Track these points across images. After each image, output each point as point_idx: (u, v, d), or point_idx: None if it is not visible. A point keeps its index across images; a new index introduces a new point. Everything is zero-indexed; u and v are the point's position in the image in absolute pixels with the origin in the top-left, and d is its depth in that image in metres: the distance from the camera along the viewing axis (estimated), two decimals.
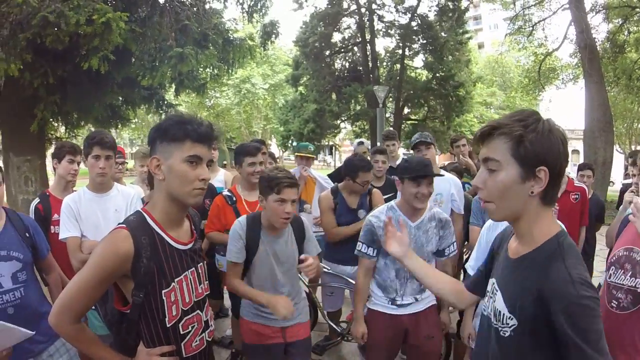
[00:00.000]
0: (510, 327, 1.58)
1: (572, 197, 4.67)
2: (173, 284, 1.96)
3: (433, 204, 4.32)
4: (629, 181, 5.33)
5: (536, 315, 1.48)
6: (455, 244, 3.56)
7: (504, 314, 1.61)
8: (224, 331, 5.41)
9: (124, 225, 1.90)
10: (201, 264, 2.19)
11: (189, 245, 2.09)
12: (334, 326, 4.89)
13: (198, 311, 2.12)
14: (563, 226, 1.69)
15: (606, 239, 4.27)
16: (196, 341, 2.10)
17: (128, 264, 1.85)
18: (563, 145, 1.52)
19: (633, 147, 32.34)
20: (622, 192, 4.81)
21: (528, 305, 1.50)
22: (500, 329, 1.64)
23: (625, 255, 2.46)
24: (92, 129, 12.36)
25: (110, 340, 2.12)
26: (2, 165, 3.33)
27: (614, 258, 2.54)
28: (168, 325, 1.96)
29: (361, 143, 6.87)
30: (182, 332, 2.02)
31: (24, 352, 2.70)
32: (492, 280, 1.80)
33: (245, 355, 3.74)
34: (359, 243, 3.49)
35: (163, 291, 1.93)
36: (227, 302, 5.22)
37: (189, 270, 2.06)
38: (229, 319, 4.89)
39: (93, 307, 3.23)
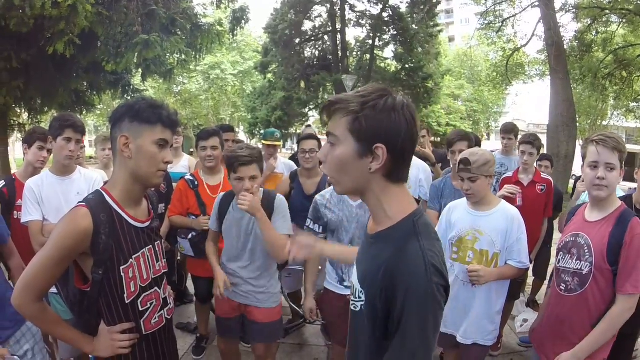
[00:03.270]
0: (360, 300, 1.57)
1: (538, 187, 4.76)
2: (131, 260, 2.01)
3: None
4: None
5: (381, 292, 1.44)
6: None
7: (356, 288, 1.61)
8: (189, 317, 5.36)
9: (83, 204, 1.94)
10: (158, 242, 2.24)
11: (147, 224, 2.14)
12: (296, 308, 4.91)
13: (156, 288, 2.16)
14: (419, 206, 1.65)
15: (559, 226, 4.44)
16: (155, 318, 2.14)
17: (87, 241, 1.89)
18: (408, 125, 1.47)
19: None
20: (576, 182, 4.95)
21: (377, 281, 1.46)
22: (352, 302, 1.65)
23: (572, 240, 2.64)
24: (56, 115, 12.13)
25: (73, 323, 2.13)
26: None
27: (562, 244, 2.73)
28: (127, 302, 2.01)
29: (309, 126, 6.82)
30: (141, 309, 2.06)
31: None
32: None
33: (218, 330, 3.78)
34: (307, 219, 3.59)
35: (121, 267, 1.96)
36: (191, 288, 5.20)
37: (147, 248, 2.11)
38: (194, 305, 4.86)
39: (55, 292, 3.20)
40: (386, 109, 1.44)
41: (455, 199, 3.54)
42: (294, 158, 6.36)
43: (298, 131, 30.19)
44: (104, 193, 2.01)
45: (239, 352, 3.85)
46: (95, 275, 1.93)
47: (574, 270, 2.56)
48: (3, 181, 3.82)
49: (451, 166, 4.20)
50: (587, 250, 2.52)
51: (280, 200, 3.45)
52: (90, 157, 20.61)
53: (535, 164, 5.08)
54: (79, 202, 1.97)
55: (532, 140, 4.73)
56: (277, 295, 3.59)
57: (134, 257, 2.02)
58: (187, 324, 5.20)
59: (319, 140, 4.50)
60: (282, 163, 5.80)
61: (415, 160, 4.70)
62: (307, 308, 3.61)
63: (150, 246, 2.15)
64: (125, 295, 1.99)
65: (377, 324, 1.49)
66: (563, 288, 2.62)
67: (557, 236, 5.58)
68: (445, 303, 1.43)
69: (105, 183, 2.13)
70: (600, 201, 2.58)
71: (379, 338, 1.49)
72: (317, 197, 3.58)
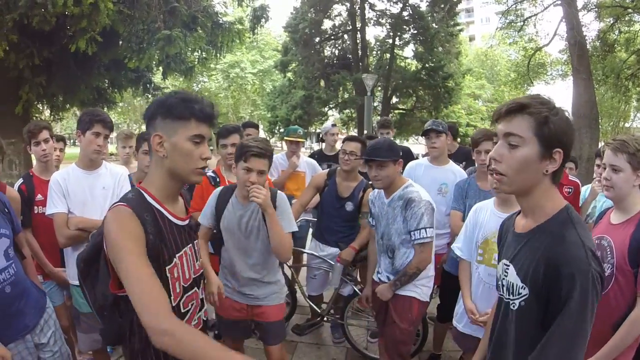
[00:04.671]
0: (522, 297, 1.65)
1: (566, 190, 4.69)
2: (175, 259, 1.93)
3: (437, 192, 4.40)
4: None
5: (545, 281, 1.54)
6: (426, 230, 3.26)
7: (516, 285, 1.68)
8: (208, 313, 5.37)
9: (124, 203, 1.82)
10: (196, 240, 2.16)
11: (186, 222, 2.06)
12: (314, 307, 4.90)
13: (196, 288, 2.09)
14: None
15: None
16: (195, 320, 2.08)
17: (142, 227, 1.79)
18: (574, 132, 1.66)
19: None
20: None
21: (540, 272, 1.56)
22: (511, 302, 1.72)
23: (596, 243, 2.59)
24: (78, 112, 12.20)
25: (101, 329, 2.03)
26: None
27: None
28: (173, 305, 1.88)
29: (334, 125, 6.77)
30: (183, 311, 1.98)
31: (22, 328, 2.74)
32: (502, 262, 1.87)
33: (219, 328, 3.73)
34: (368, 212, 3.83)
35: (167, 267, 1.88)
36: None
37: (188, 247, 2.03)
38: None
39: (77, 284, 3.22)
40: (566, 117, 1.61)
41: (480, 200, 3.49)
42: (313, 156, 6.35)
43: (318, 130, 30.21)
44: (142, 191, 1.92)
45: (242, 350, 3.81)
46: None
47: None
48: (21, 179, 3.86)
49: (476, 166, 4.10)
50: (609, 252, 2.51)
51: (282, 197, 3.35)
52: (112, 154, 20.79)
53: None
54: (119, 202, 1.86)
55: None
56: (283, 290, 3.56)
57: (177, 256, 1.94)
58: (205, 320, 5.21)
59: (364, 143, 4.37)
60: (304, 162, 5.78)
61: (452, 165, 4.68)
62: (364, 296, 4.01)
63: (191, 245, 2.07)
64: (172, 298, 1.88)
65: (542, 318, 1.57)
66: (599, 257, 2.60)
67: None
68: (602, 292, 1.52)
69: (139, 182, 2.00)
70: (619, 203, 2.61)
71: (542, 330, 1.56)
72: (370, 192, 3.77)
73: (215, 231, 3.40)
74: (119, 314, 1.91)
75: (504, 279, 1.81)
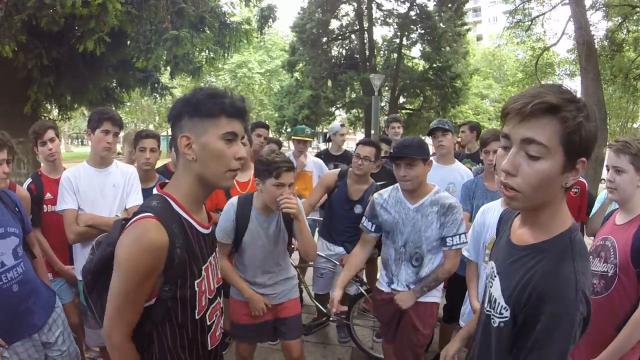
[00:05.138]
0: (503, 318, 1.47)
1: (573, 190, 4.65)
2: (202, 272, 1.80)
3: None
4: None
5: (526, 310, 1.36)
6: (465, 235, 3.18)
7: (499, 303, 1.50)
8: None
9: (150, 214, 1.65)
10: (217, 248, 2.04)
11: (210, 229, 1.91)
12: (320, 307, 4.92)
13: (219, 298, 1.98)
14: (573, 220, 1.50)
15: (587, 228, 4.34)
16: (218, 330, 1.99)
17: (164, 257, 1.64)
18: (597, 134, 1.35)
19: None
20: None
21: (524, 297, 1.37)
22: (491, 316, 1.54)
23: (601, 244, 2.63)
24: (86, 112, 12.25)
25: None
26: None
27: (593, 248, 2.71)
28: (197, 318, 1.80)
29: (343, 125, 6.79)
30: (208, 323, 1.88)
31: (30, 327, 2.79)
32: (491, 264, 1.69)
33: (234, 334, 3.74)
34: (363, 217, 3.54)
35: (196, 282, 1.76)
36: None
37: (212, 256, 1.90)
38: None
39: (80, 280, 3.25)
40: (593, 118, 1.31)
41: (487, 200, 3.48)
42: (320, 156, 6.37)
43: (325, 130, 30.24)
44: (169, 199, 1.74)
45: (254, 351, 3.80)
46: (164, 293, 1.69)
47: (601, 273, 2.55)
48: (30, 178, 3.90)
49: (485, 166, 4.08)
50: (612, 253, 2.51)
51: (299, 205, 3.33)
52: (119, 154, 20.84)
53: None
54: (144, 212, 1.67)
55: None
56: (297, 285, 3.61)
57: (203, 268, 1.80)
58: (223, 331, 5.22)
59: (378, 148, 4.35)
60: (311, 161, 5.80)
61: (458, 165, 4.65)
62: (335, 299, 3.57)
63: (214, 253, 1.94)
64: (196, 311, 1.79)
65: (514, 340, 1.41)
66: (590, 299, 2.55)
67: (586, 241, 5.50)
68: (580, 336, 1.35)
69: (162, 184, 1.86)
70: (624, 204, 2.61)
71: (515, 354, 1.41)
72: (375, 195, 3.47)
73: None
74: (136, 331, 1.76)
75: (490, 287, 1.63)
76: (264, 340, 3.69)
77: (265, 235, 3.28)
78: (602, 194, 4.47)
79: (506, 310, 1.46)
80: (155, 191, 1.81)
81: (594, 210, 4.29)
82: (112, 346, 1.69)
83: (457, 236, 3.15)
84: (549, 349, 1.29)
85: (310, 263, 4.95)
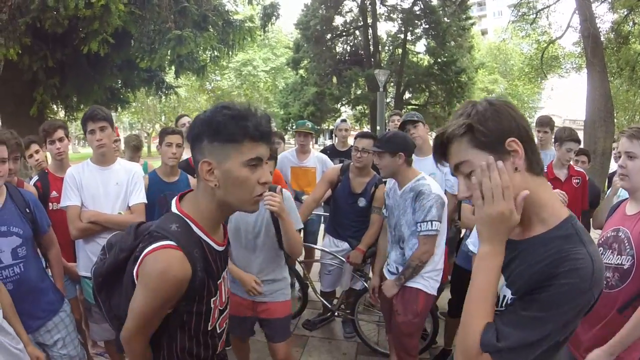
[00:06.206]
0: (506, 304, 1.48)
1: (574, 181, 4.63)
2: (217, 289, 1.79)
3: None
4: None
5: (537, 284, 1.33)
6: (433, 222, 3.27)
7: (506, 297, 1.49)
8: None
9: (172, 243, 1.58)
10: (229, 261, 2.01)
11: (225, 246, 1.86)
12: (326, 303, 4.95)
13: (228, 306, 1.97)
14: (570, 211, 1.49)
15: (593, 221, 4.35)
16: (224, 336, 1.98)
17: (186, 285, 1.61)
18: (514, 111, 1.41)
19: None
20: (610, 178, 4.79)
21: (533, 282, 1.34)
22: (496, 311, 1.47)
23: (612, 235, 2.55)
24: None
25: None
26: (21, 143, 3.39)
27: (602, 239, 2.63)
28: (209, 329, 1.80)
29: (344, 120, 6.82)
30: (219, 331, 1.89)
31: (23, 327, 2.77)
32: None
33: None
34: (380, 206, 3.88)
35: (212, 299, 1.75)
36: None
37: (225, 271, 1.87)
38: None
39: (86, 276, 3.27)
40: (487, 109, 1.39)
41: None
42: (325, 152, 6.39)
43: (330, 127, 30.24)
44: (189, 221, 1.68)
45: (249, 347, 3.85)
46: (181, 307, 1.67)
47: (615, 266, 2.46)
48: (36, 176, 3.94)
49: None
50: (627, 244, 2.42)
51: (287, 196, 3.38)
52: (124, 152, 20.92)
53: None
54: (164, 240, 1.59)
55: (577, 138, 4.53)
56: (289, 287, 3.59)
57: (218, 283, 1.79)
58: None
59: (375, 138, 4.30)
60: (315, 157, 5.82)
61: None
62: (371, 286, 3.96)
63: (227, 268, 1.91)
64: (210, 323, 1.79)
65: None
66: (604, 285, 2.49)
67: (591, 232, 5.49)
68: (586, 313, 1.35)
69: (181, 195, 1.81)
70: (634, 192, 2.53)
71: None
72: (387, 184, 3.81)
73: None
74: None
75: None
76: (247, 334, 3.69)
77: (247, 225, 3.31)
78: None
79: (512, 300, 1.45)
80: (174, 207, 1.74)
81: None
82: (132, 352, 1.72)
83: (425, 223, 3.30)
84: (552, 314, 1.29)
85: (317, 258, 4.97)
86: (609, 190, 4.46)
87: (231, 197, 1.64)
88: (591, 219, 4.52)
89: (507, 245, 1.46)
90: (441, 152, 1.47)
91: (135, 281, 1.63)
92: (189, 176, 4.27)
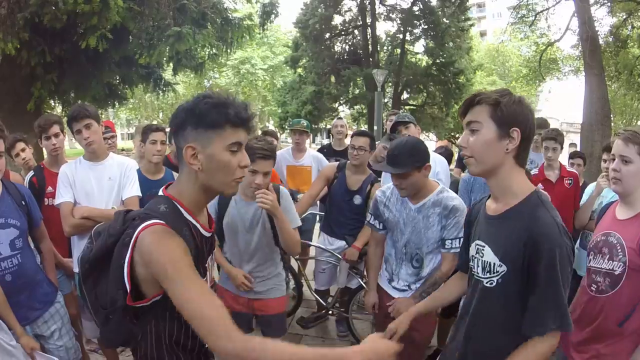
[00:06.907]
0: (499, 274, 1.88)
1: (566, 182, 4.67)
2: (205, 271, 1.85)
3: None
4: None
5: (524, 258, 1.79)
6: (460, 239, 3.02)
7: (494, 264, 1.90)
8: None
9: (159, 221, 1.63)
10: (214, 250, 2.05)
11: (211, 233, 1.93)
12: (320, 300, 4.96)
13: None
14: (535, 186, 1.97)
15: (575, 221, 4.39)
16: None
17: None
18: (531, 114, 1.86)
19: None
20: None
21: (518, 250, 1.80)
22: (487, 280, 1.94)
23: (602, 240, 2.54)
24: None
25: (101, 332, 1.95)
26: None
27: (592, 244, 2.62)
28: None
29: (340, 119, 6.84)
30: None
31: (20, 319, 2.78)
32: (475, 243, 2.07)
33: None
34: (368, 214, 3.60)
35: None
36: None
37: (210, 257, 1.95)
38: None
39: (77, 272, 3.27)
40: (517, 100, 1.83)
41: (485, 194, 3.50)
42: (322, 151, 6.41)
43: (328, 126, 30.24)
44: (177, 203, 1.75)
45: None
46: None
47: (606, 271, 2.43)
48: (32, 171, 3.96)
49: None
50: (619, 249, 2.40)
51: (285, 193, 3.38)
52: (122, 150, 20.90)
53: (566, 163, 5.02)
54: (153, 219, 1.64)
55: (554, 135, 4.64)
56: (284, 283, 3.59)
57: (205, 266, 1.85)
58: None
59: (372, 138, 4.38)
60: (311, 155, 5.84)
61: (433, 155, 4.66)
62: (370, 302, 3.53)
63: (212, 254, 1.98)
64: None
65: (519, 291, 1.84)
66: (594, 289, 2.49)
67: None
68: (573, 263, 1.84)
69: (167, 185, 1.85)
70: (626, 197, 2.50)
71: (520, 308, 1.84)
72: (378, 193, 3.43)
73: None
74: (132, 319, 1.76)
75: (478, 259, 2.02)
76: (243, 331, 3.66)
77: (242, 220, 3.29)
78: (590, 187, 4.50)
79: (501, 267, 1.88)
80: (161, 192, 1.81)
81: (582, 200, 4.32)
82: (239, 354, 1.51)
83: (457, 239, 3.07)
84: (558, 282, 1.75)
85: (312, 255, 4.98)
86: (589, 188, 4.50)
87: (213, 180, 1.73)
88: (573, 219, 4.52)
89: (488, 220, 2.02)
90: (465, 109, 1.93)
91: (135, 277, 1.64)
92: (174, 173, 4.22)
